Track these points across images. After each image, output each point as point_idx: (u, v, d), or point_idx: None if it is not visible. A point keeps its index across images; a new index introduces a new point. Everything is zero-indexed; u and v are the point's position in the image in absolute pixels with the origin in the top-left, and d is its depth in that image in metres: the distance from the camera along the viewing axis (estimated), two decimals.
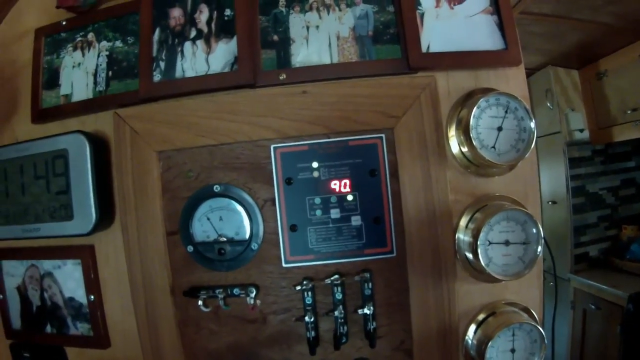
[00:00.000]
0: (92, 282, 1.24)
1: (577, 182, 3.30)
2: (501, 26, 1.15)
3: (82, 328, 1.27)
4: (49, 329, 1.31)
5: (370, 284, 1.14)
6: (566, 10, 2.50)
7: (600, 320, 2.88)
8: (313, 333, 1.15)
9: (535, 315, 1.14)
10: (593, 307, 2.91)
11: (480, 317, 1.13)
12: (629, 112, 2.89)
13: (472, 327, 1.13)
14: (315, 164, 1.16)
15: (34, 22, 1.34)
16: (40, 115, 1.29)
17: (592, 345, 2.97)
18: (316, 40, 1.17)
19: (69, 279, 1.27)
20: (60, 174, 1.19)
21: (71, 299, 1.27)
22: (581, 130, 3.24)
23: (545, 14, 2.53)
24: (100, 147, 1.20)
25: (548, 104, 3.32)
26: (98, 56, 1.26)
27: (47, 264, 1.29)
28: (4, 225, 1.26)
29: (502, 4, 1.16)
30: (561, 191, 3.28)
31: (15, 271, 1.32)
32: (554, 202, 3.39)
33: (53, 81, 1.29)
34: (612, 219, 3.38)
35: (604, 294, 2.82)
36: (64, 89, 1.28)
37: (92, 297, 1.24)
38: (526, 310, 1.13)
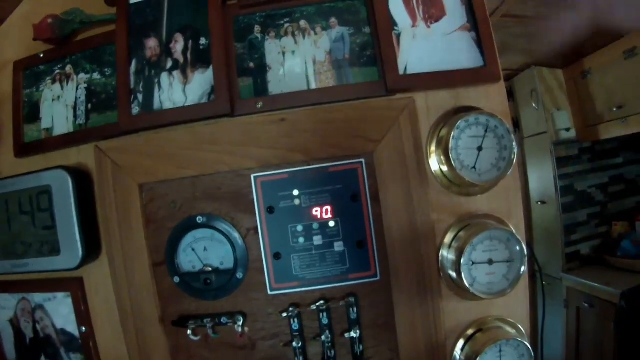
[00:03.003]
0: (82, 314, 1.24)
1: (566, 181, 3.32)
2: (479, 43, 1.15)
3: (75, 358, 1.27)
4: None
5: (355, 308, 1.15)
6: (549, 12, 2.51)
7: (594, 318, 2.90)
8: (301, 358, 1.15)
9: (523, 330, 1.14)
10: (587, 305, 2.93)
11: (468, 333, 1.13)
12: (614, 109, 2.91)
13: (460, 344, 1.14)
14: (296, 192, 1.16)
15: (14, 54, 1.34)
16: (23, 149, 1.28)
17: (588, 344, 2.99)
18: (292, 66, 1.17)
19: (60, 311, 1.27)
20: (45, 209, 1.19)
21: (63, 330, 1.27)
22: (567, 129, 3.24)
23: (528, 16, 2.54)
24: (83, 180, 1.20)
25: (533, 105, 3.34)
26: (77, 89, 1.26)
27: (37, 297, 1.28)
28: None
29: (480, 20, 1.16)
30: (550, 191, 3.30)
31: (7, 304, 1.32)
32: (543, 202, 3.41)
33: (34, 115, 1.29)
34: (602, 216, 3.40)
35: (597, 291, 2.84)
36: (44, 123, 1.27)
37: (84, 328, 1.24)
38: (513, 325, 1.14)
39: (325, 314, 1.15)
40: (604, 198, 3.41)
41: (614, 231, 3.30)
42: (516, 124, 3.61)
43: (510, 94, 3.60)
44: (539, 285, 2.57)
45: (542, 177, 3.42)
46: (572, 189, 3.34)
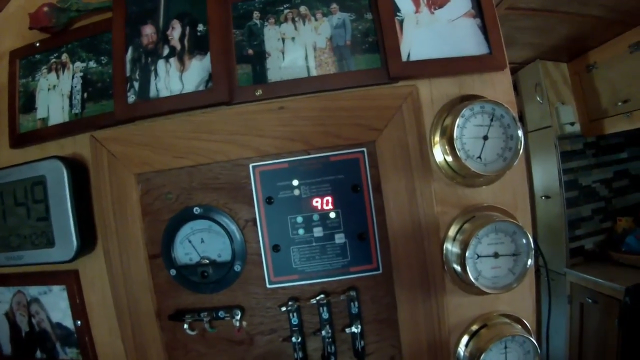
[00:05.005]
0: (78, 307, 1.23)
1: (570, 176, 3.29)
2: (484, 30, 1.12)
3: (71, 353, 1.26)
4: (38, 354, 1.29)
5: (356, 303, 1.12)
6: (554, 4, 2.48)
7: (598, 314, 2.88)
8: (301, 354, 1.13)
9: (529, 326, 1.12)
10: (590, 300, 2.91)
11: (472, 329, 1.11)
12: (619, 103, 2.88)
13: (464, 340, 1.11)
14: (295, 182, 1.14)
15: (10, 45, 1.31)
16: (19, 140, 1.26)
17: (591, 339, 2.97)
18: (292, 53, 1.14)
19: (56, 305, 1.26)
20: (39, 200, 1.17)
21: (59, 324, 1.26)
22: (572, 124, 3.22)
23: (533, 9, 2.51)
24: (79, 171, 1.18)
25: (538, 98, 3.31)
26: (72, 77, 1.23)
27: (33, 290, 1.27)
28: None
29: (485, 7, 1.13)
30: (554, 185, 3.29)
31: (3, 297, 1.31)
32: (547, 197, 3.39)
33: (29, 105, 1.27)
34: (606, 211, 3.37)
35: (601, 287, 2.81)
36: (40, 113, 1.25)
37: (79, 322, 1.23)
38: (519, 321, 1.12)
39: (325, 308, 1.12)
40: (608, 193, 3.38)
41: (618, 227, 3.26)
42: (520, 118, 3.58)
43: (515, 88, 3.57)
44: (542, 281, 2.56)
45: (546, 172, 3.40)
46: (576, 184, 3.32)
